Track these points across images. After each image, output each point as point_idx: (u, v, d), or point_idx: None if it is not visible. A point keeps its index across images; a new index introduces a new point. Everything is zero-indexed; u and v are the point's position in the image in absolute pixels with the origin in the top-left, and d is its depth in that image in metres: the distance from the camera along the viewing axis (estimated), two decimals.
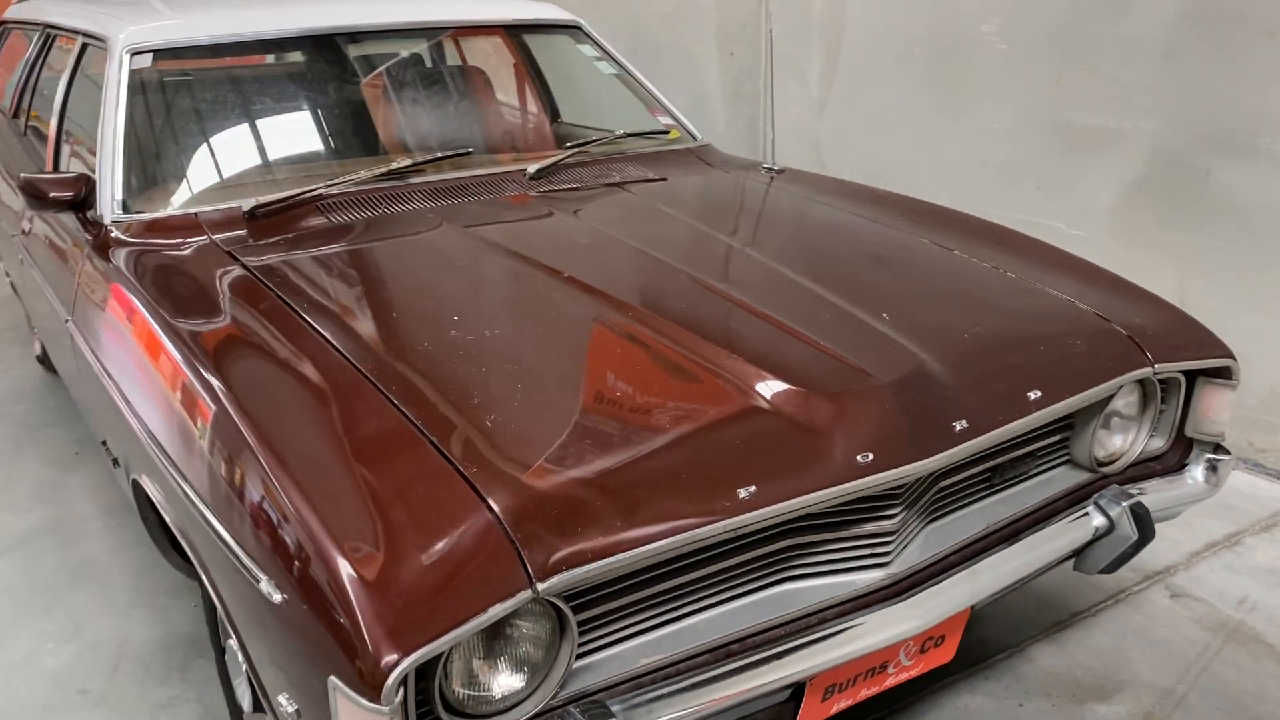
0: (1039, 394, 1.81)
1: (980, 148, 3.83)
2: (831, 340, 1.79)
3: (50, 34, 3.57)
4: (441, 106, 3.18)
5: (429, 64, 3.23)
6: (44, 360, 4.21)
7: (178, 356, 1.84)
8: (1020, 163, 3.70)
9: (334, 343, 1.79)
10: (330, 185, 2.48)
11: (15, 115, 3.75)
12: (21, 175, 2.44)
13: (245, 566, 1.52)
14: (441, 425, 1.56)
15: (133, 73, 2.62)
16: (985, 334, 1.92)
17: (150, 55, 2.67)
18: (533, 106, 3.79)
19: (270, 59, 2.86)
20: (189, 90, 2.70)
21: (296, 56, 2.91)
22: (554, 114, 3.80)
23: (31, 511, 3.18)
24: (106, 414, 2.21)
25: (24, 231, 3.01)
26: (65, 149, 3.03)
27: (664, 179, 2.78)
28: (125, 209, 2.42)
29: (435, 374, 1.70)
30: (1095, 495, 2.02)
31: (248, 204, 2.38)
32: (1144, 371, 1.97)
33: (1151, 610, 2.59)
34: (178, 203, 2.47)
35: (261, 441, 1.56)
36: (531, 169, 2.69)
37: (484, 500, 1.42)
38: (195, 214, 2.39)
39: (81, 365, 2.33)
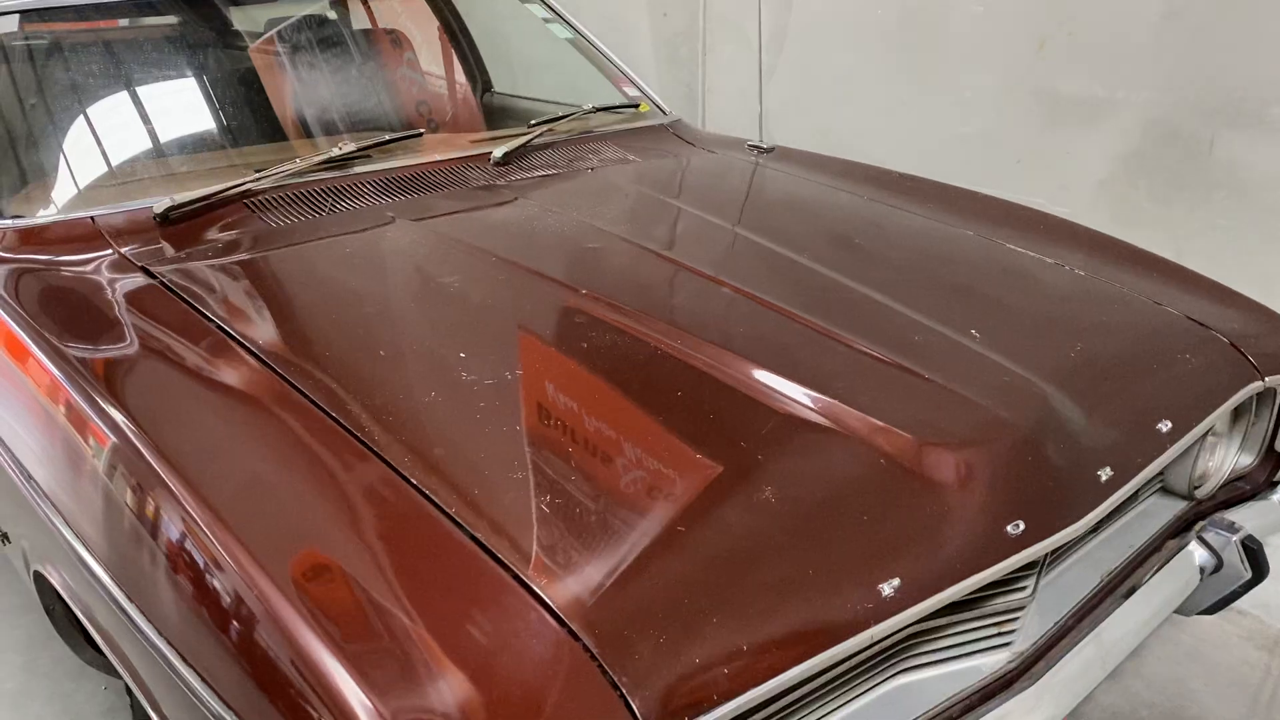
0: (1169, 425, 1.53)
1: (952, 118, 3.56)
2: (939, 373, 1.46)
3: None
4: (370, 79, 2.72)
5: (343, 26, 2.75)
6: None
7: (97, 421, 1.39)
8: (997, 134, 3.44)
9: (309, 394, 1.37)
10: (260, 178, 2.02)
11: None
12: None
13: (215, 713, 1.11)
14: (481, 515, 1.17)
15: None
16: (1093, 354, 1.62)
17: (15, 18, 2.15)
18: (462, 77, 3.35)
19: (157, 22, 2.35)
20: (69, 60, 2.18)
21: (197, 19, 2.41)
22: (486, 85, 3.38)
23: None
24: None
25: None
26: None
27: (650, 162, 2.41)
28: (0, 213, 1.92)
29: (455, 438, 1.30)
30: (1198, 529, 1.75)
31: (159, 204, 1.91)
32: (1255, 386, 1.71)
33: (1197, 629, 2.37)
34: (65, 204, 1.98)
35: (235, 541, 1.14)
36: (497, 153, 2.28)
37: (564, 624, 1.04)
38: (91, 218, 1.91)
39: None
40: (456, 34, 3.32)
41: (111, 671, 1.84)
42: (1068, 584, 1.58)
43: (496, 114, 3.26)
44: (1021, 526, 1.27)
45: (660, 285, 1.71)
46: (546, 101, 3.14)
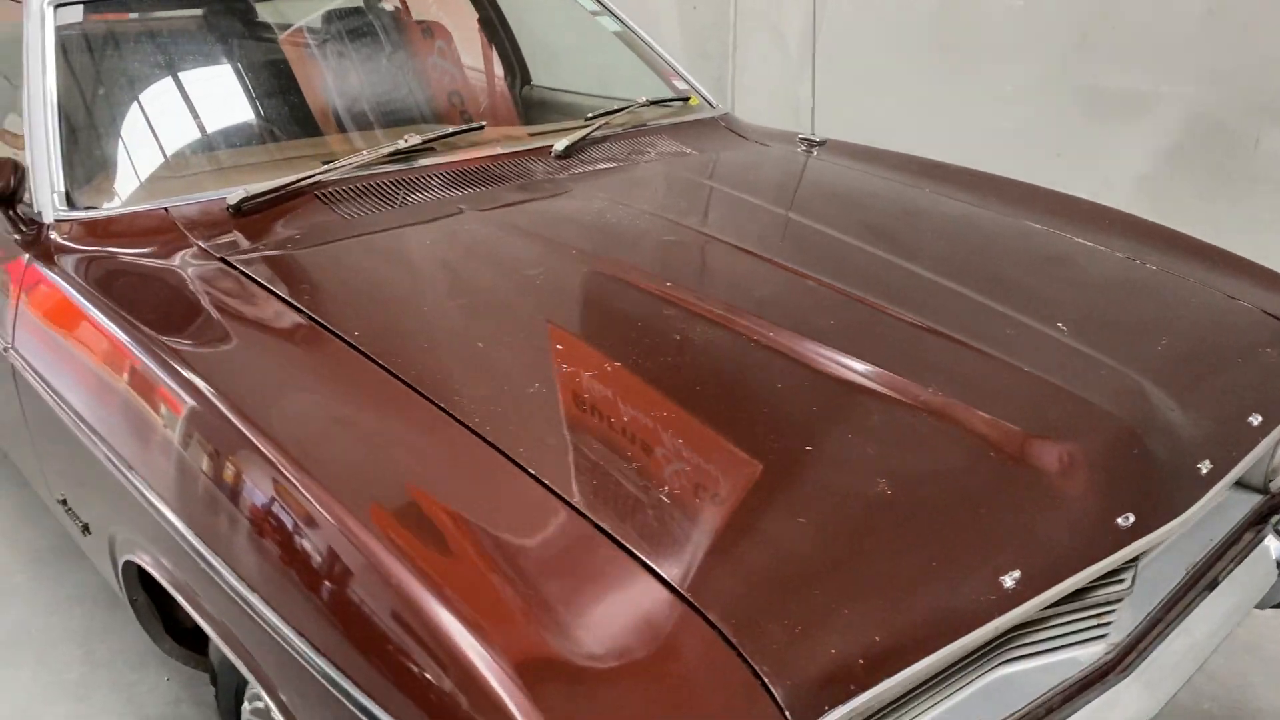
0: (1259, 418, 1.54)
1: (989, 112, 3.56)
2: (1038, 366, 1.47)
3: None
4: (420, 73, 2.72)
5: (395, 20, 2.75)
6: None
7: (197, 406, 1.39)
8: (1037, 128, 3.45)
9: (411, 383, 1.38)
10: (329, 170, 2.02)
11: None
12: None
13: (358, 702, 1.11)
14: (603, 503, 1.17)
15: (60, 30, 2.09)
16: (1178, 348, 1.63)
17: (80, 8, 2.15)
18: (502, 70, 3.34)
19: (227, 14, 2.35)
20: (134, 51, 2.18)
21: (252, 12, 2.40)
22: (525, 78, 3.37)
23: None
24: (78, 471, 1.73)
25: None
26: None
27: (707, 155, 2.41)
28: (70, 203, 1.92)
29: (566, 428, 1.31)
30: (1274, 522, 1.76)
31: (233, 196, 1.91)
32: None
33: (1255, 624, 2.38)
34: (138, 196, 1.97)
35: (363, 526, 1.15)
36: (559, 146, 2.28)
37: (701, 614, 1.05)
38: (165, 209, 1.90)
39: (31, 406, 1.83)
40: (497, 28, 3.31)
41: (193, 663, 1.85)
42: (1155, 577, 1.58)
43: (536, 107, 3.25)
44: (1131, 519, 1.28)
45: (747, 280, 1.71)
46: (586, 95, 3.14)
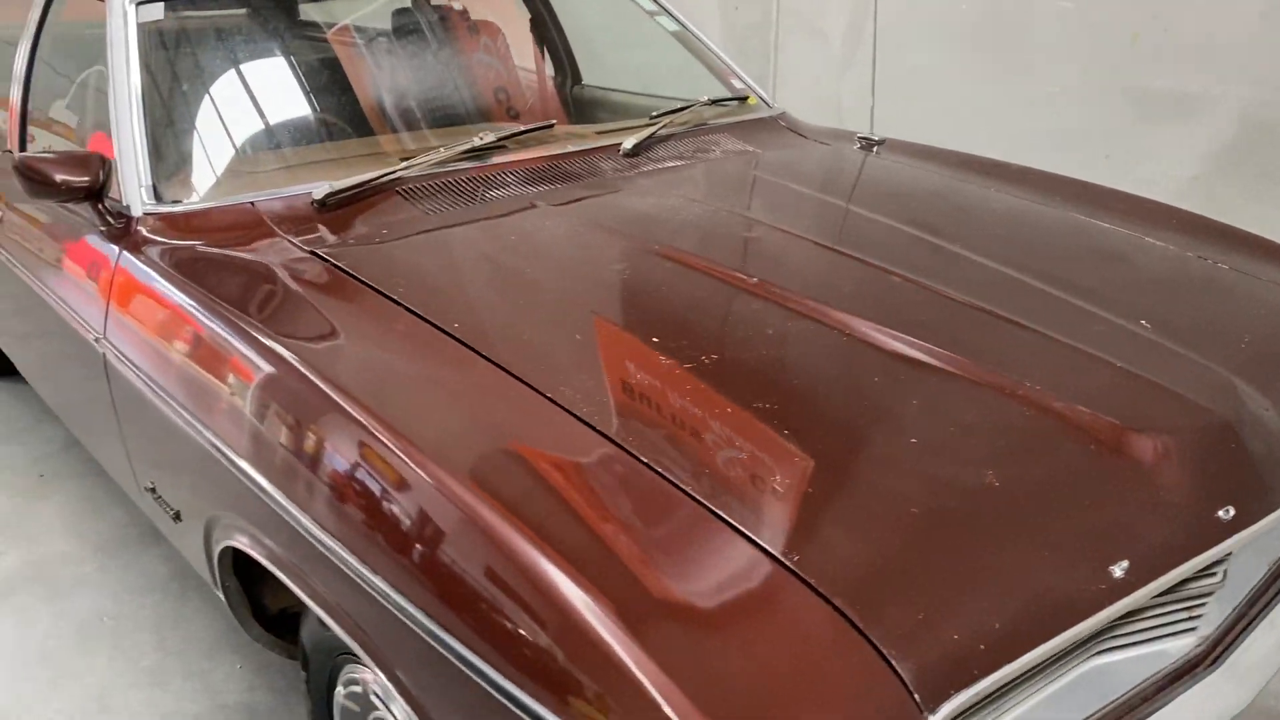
0: None
1: (1038, 113, 3.58)
2: (1129, 362, 1.49)
3: None
4: (484, 74, 2.76)
5: (455, 22, 2.78)
6: None
7: (305, 391, 1.43)
8: (1086, 130, 3.46)
9: (517, 374, 1.41)
10: (409, 166, 2.05)
11: None
12: (18, 155, 1.94)
13: (487, 676, 1.13)
14: (717, 489, 1.20)
15: (142, 27, 2.13)
16: (1261, 345, 1.64)
17: (160, 6, 2.19)
18: (555, 70, 3.37)
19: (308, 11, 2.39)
20: (212, 47, 2.22)
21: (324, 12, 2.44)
22: (576, 78, 3.40)
23: (5, 553, 2.67)
24: (173, 458, 1.77)
25: None
26: (41, 125, 2.51)
27: (770, 154, 2.43)
28: (158, 198, 1.96)
29: (671, 416, 1.34)
30: None
31: (319, 190, 1.94)
32: None
33: None
34: (223, 190, 2.01)
35: (480, 497, 1.19)
36: (628, 144, 2.31)
37: (824, 597, 1.08)
38: (252, 203, 1.94)
39: (123, 395, 1.87)
40: (549, 28, 3.35)
41: (279, 649, 1.88)
42: (1240, 571, 1.60)
43: (587, 106, 3.28)
44: (1232, 512, 1.30)
45: (835, 275, 1.74)
46: (637, 94, 3.18)
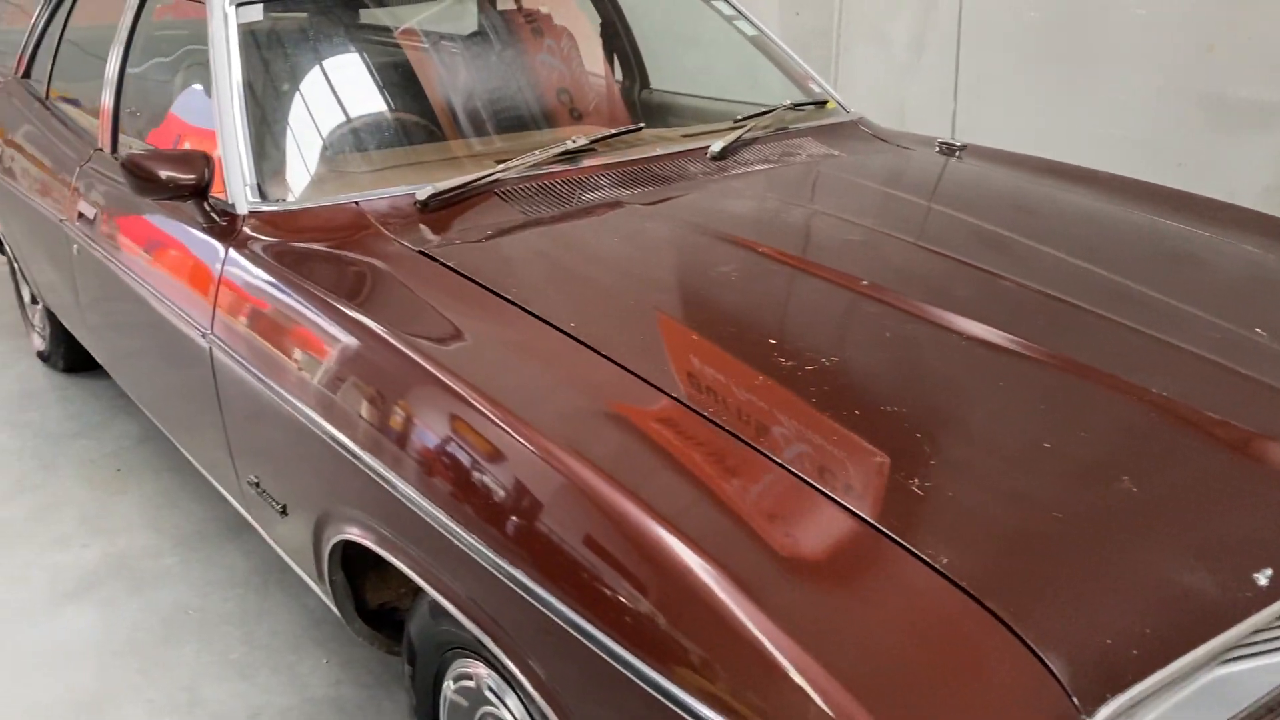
0: None
1: (1106, 121, 3.56)
2: (1253, 369, 1.48)
3: None
4: (560, 77, 2.78)
5: (537, 26, 2.80)
6: (47, 358, 3.69)
7: (429, 385, 1.45)
8: (1157, 138, 3.44)
9: (646, 377, 1.42)
10: (507, 168, 2.07)
11: (27, 75, 3.22)
12: (124, 153, 1.97)
13: (633, 667, 1.14)
14: (860, 493, 1.21)
15: (242, 27, 2.17)
16: None
17: (259, 7, 2.22)
18: (623, 74, 3.39)
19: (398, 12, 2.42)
20: (309, 48, 2.25)
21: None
22: (644, 82, 3.42)
23: (88, 545, 2.71)
24: (281, 452, 1.79)
25: (82, 217, 2.53)
26: (130, 122, 2.55)
27: (856, 158, 2.44)
28: (263, 196, 1.99)
29: (803, 420, 1.34)
30: None
31: (422, 191, 1.96)
32: None
33: None
34: (327, 189, 2.04)
35: (615, 484, 1.20)
36: (715, 147, 2.31)
37: (975, 598, 1.08)
38: (356, 203, 1.97)
39: (230, 390, 1.90)
40: (619, 32, 3.37)
41: (379, 644, 1.90)
42: None
43: (656, 110, 3.29)
44: None
45: (948, 281, 1.73)
46: (706, 98, 3.19)
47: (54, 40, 3.07)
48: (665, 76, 3.24)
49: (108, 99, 2.57)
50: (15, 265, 3.47)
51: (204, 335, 1.92)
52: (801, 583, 1.10)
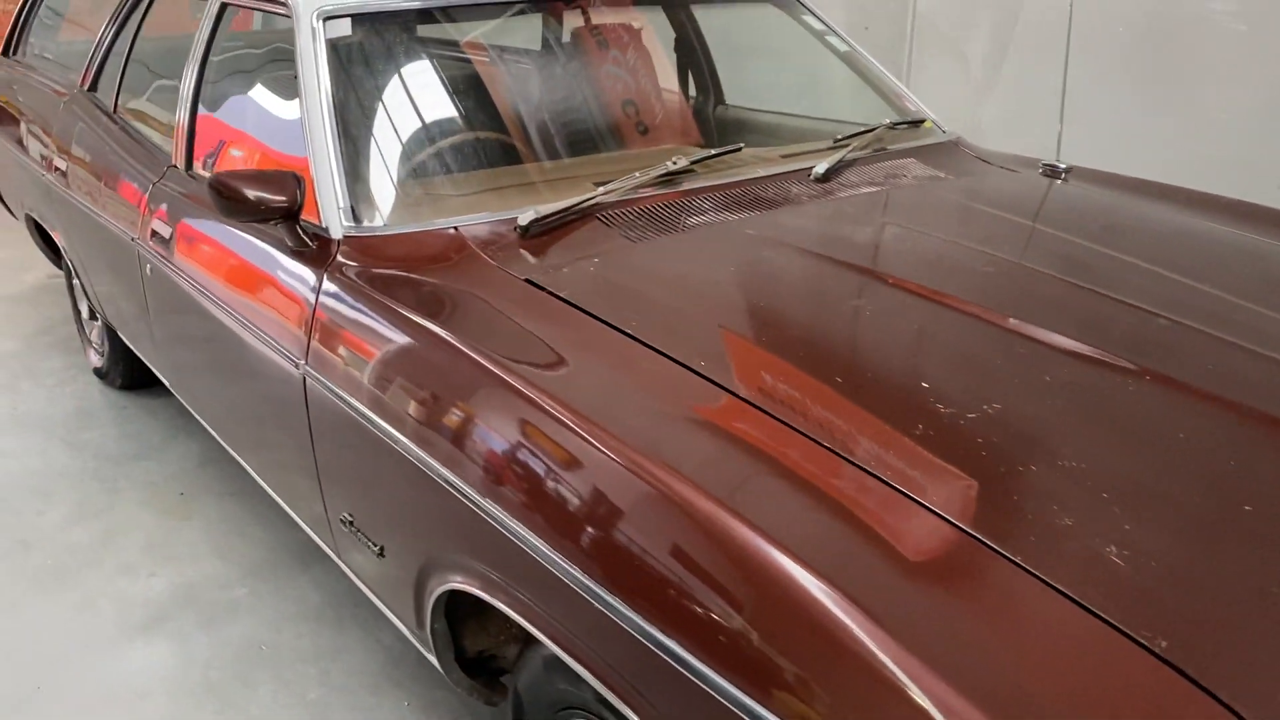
0: None
1: (1198, 139, 3.42)
2: None
3: None
4: (643, 93, 2.68)
5: (620, 42, 2.71)
6: (104, 375, 3.62)
7: (542, 418, 1.36)
8: (1256, 158, 3.30)
9: (791, 423, 1.31)
10: (608, 191, 1.97)
11: (93, 88, 3.15)
12: (212, 174, 1.89)
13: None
14: (1056, 566, 1.09)
15: (330, 43, 2.08)
16: None
17: (347, 20, 2.13)
18: (697, 90, 3.29)
19: (482, 29, 2.33)
20: (403, 64, 2.16)
21: (517, 28, 2.38)
22: (719, 98, 3.32)
23: (155, 574, 2.63)
24: (381, 491, 1.69)
25: (155, 236, 2.45)
26: (206, 139, 2.47)
27: (964, 181, 2.32)
28: (357, 220, 1.89)
29: (973, 474, 1.23)
30: None
31: (525, 216, 1.86)
32: None
33: None
34: (423, 213, 1.94)
35: (745, 521, 1.13)
36: (819, 168, 2.20)
37: (1142, 645, 0.98)
38: (455, 228, 1.87)
39: (325, 424, 1.80)
40: (695, 48, 3.27)
41: (477, 694, 1.80)
42: None
43: (732, 127, 3.19)
44: None
45: (1101, 319, 1.61)
46: (783, 114, 3.08)
47: (122, 53, 3.00)
48: (750, 94, 3.13)
49: (183, 115, 2.50)
50: (78, 280, 3.40)
51: (297, 365, 1.83)
52: (984, 654, 1.00)
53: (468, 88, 2.21)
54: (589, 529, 1.28)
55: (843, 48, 2.81)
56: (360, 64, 2.11)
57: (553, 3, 2.52)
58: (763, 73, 3.16)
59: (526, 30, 2.51)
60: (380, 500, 1.72)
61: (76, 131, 3.05)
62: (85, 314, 3.68)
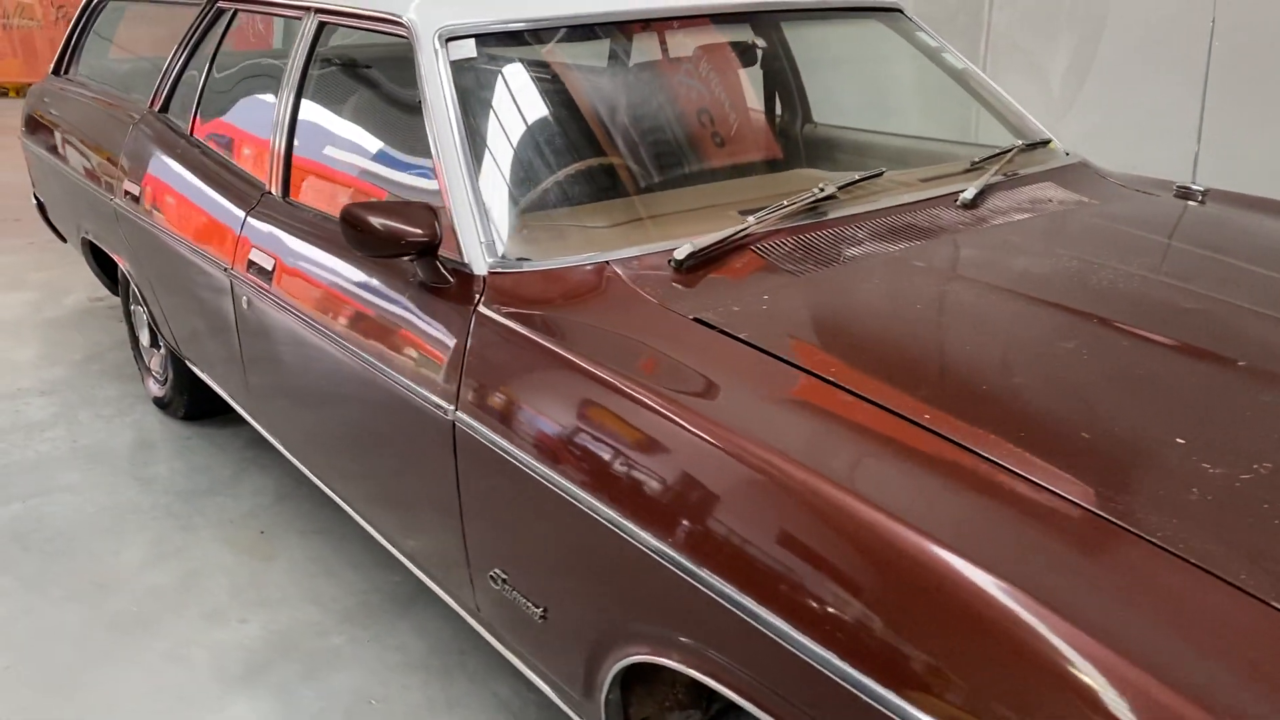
0: None
1: None
2: None
3: (222, 8, 2.86)
4: (756, 113, 2.58)
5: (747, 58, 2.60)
6: (166, 405, 3.50)
7: (762, 472, 1.25)
8: None
9: (1037, 479, 1.19)
10: (760, 219, 1.85)
11: (164, 109, 3.03)
12: (345, 206, 1.77)
13: None
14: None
15: (454, 65, 1.96)
16: None
17: (471, 42, 2.02)
18: (783, 108, 3.18)
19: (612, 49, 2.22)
20: (535, 85, 2.04)
21: (645, 45, 2.27)
22: (806, 116, 3.21)
23: (246, 620, 2.50)
24: (546, 549, 1.57)
25: (254, 267, 2.32)
26: (307, 165, 2.35)
27: (1113, 206, 2.20)
28: (499, 254, 1.78)
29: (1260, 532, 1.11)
30: None
31: (681, 250, 1.75)
32: None
33: None
34: (566, 247, 1.82)
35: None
36: (969, 193, 2.09)
37: None
38: (606, 263, 1.75)
39: (477, 473, 1.67)
40: (784, 64, 3.16)
41: None
42: None
43: (823, 146, 3.08)
44: None
45: None
46: (873, 132, 2.98)
47: (198, 74, 2.88)
48: (852, 113, 3.02)
49: (278, 140, 2.38)
50: (144, 307, 3.28)
51: (445, 411, 1.70)
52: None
53: (600, 109, 2.09)
54: (830, 606, 1.15)
55: (959, 65, 2.70)
56: (487, 86, 2.00)
57: (694, 19, 2.39)
58: (863, 91, 3.04)
59: (643, 47, 2.39)
60: (547, 561, 1.59)
61: (149, 154, 2.94)
62: (145, 341, 3.56)
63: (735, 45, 2.50)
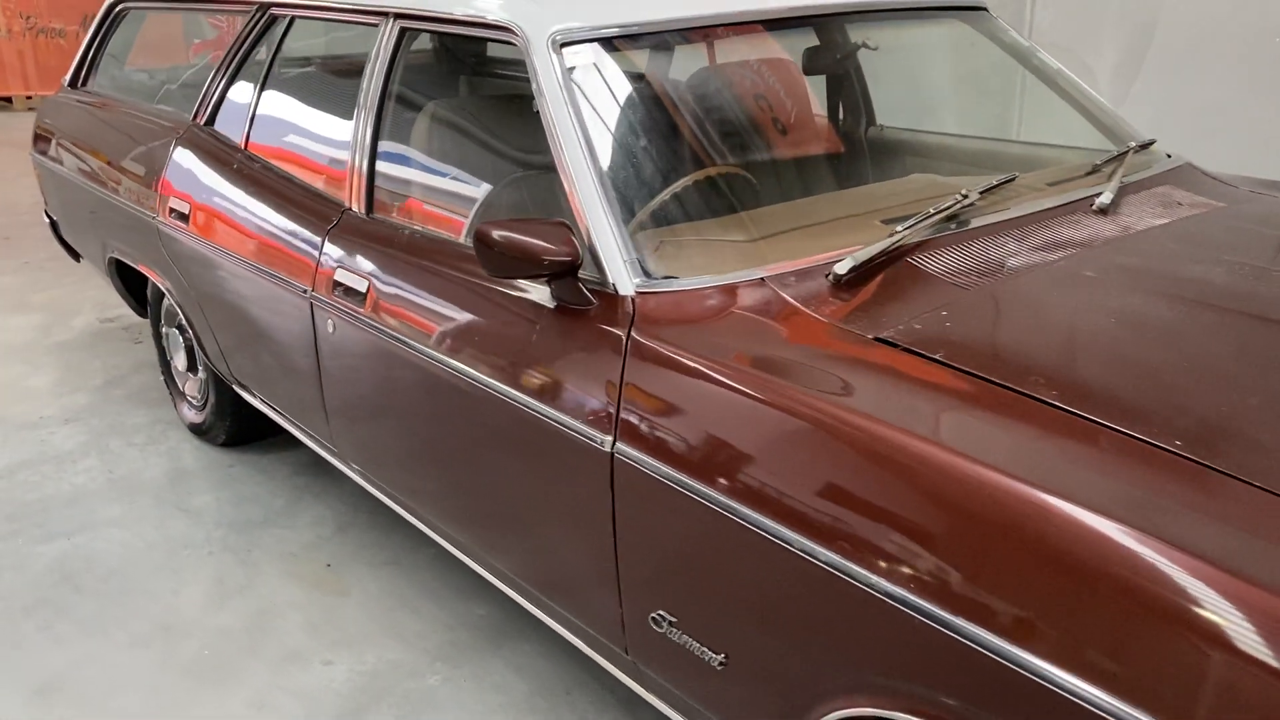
0: None
1: None
2: None
3: (277, 14, 2.72)
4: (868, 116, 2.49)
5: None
6: (204, 431, 3.34)
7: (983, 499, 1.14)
8: None
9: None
10: (910, 229, 1.75)
11: (210, 123, 2.88)
12: (480, 226, 1.64)
13: None
14: None
15: (572, 71, 1.85)
16: None
17: (589, 47, 1.90)
18: (846, 111, 3.09)
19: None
20: (660, 90, 1.93)
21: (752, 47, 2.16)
22: (870, 119, 3.12)
23: (331, 662, 2.36)
24: (740, 594, 1.45)
25: (341, 288, 2.18)
26: (396, 181, 2.22)
27: (1241, 208, 2.13)
28: (645, 273, 1.66)
29: None
30: None
31: (842, 264, 1.64)
32: None
33: None
34: (720, 263, 1.71)
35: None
36: (1105, 198, 2.00)
37: None
38: (763, 279, 1.64)
39: (643, 514, 1.55)
40: (850, 71, 3.08)
41: None
42: None
43: (890, 150, 2.99)
44: None
45: None
46: (936, 133, 2.90)
47: (251, 85, 2.74)
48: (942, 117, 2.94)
49: (359, 154, 2.24)
50: (189, 329, 3.11)
51: (602, 444, 1.58)
52: None
53: (725, 115, 1.98)
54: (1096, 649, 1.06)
55: (1052, 66, 2.62)
56: (608, 92, 1.88)
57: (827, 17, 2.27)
58: (951, 95, 2.96)
59: (741, 49, 2.29)
60: (733, 605, 1.46)
61: (199, 170, 2.78)
62: (180, 365, 3.39)
63: (842, 47, 2.40)
